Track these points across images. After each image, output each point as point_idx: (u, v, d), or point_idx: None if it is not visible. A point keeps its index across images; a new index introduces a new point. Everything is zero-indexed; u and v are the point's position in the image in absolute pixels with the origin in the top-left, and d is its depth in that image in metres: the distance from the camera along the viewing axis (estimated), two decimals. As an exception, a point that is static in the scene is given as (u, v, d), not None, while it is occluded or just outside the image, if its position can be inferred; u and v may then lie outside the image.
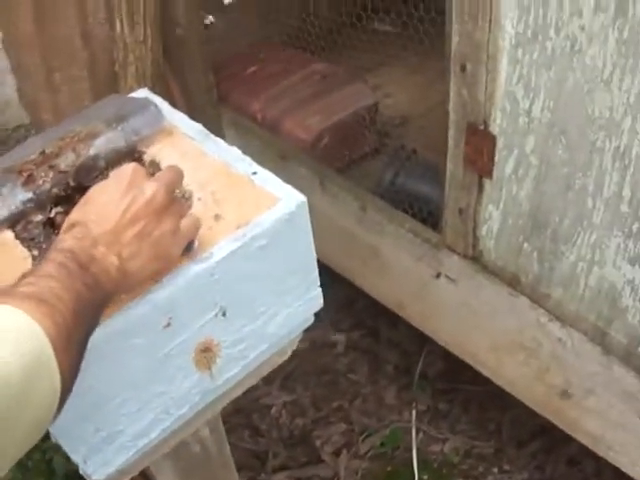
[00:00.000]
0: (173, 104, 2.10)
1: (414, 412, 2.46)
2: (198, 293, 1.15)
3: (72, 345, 0.88)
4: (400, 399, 2.52)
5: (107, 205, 1.03)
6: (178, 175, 1.14)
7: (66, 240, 0.98)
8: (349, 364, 2.63)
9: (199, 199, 1.25)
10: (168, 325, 1.13)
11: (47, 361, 0.81)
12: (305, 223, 1.27)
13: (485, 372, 1.93)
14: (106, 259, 0.99)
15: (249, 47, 2.52)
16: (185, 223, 1.10)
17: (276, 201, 1.23)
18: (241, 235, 1.17)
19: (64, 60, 1.87)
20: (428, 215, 1.93)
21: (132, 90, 1.97)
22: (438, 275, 1.85)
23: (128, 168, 1.09)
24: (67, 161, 1.32)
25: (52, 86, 1.88)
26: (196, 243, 1.16)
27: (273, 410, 2.52)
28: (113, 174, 1.11)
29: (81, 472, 1.17)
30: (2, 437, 0.72)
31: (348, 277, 2.13)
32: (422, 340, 2.36)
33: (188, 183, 1.27)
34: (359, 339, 2.69)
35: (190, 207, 1.23)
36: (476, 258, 1.74)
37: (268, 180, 1.27)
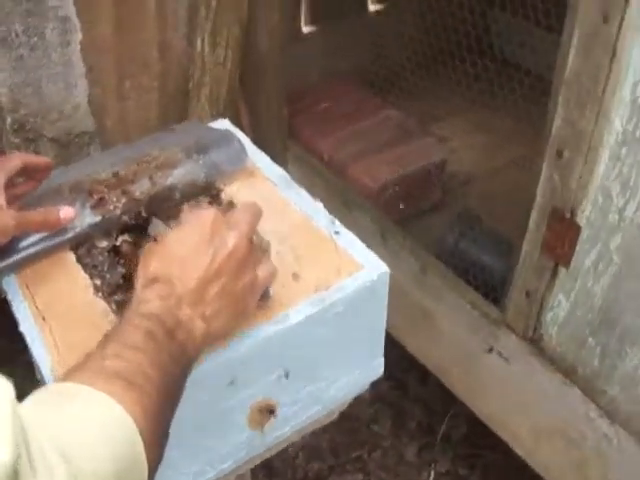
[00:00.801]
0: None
1: (432, 473, 2.41)
2: (267, 354, 1.10)
3: (159, 430, 0.85)
4: (420, 457, 2.46)
5: (189, 258, 0.96)
6: (257, 217, 1.08)
7: (150, 300, 0.93)
8: (373, 414, 2.57)
9: (277, 253, 1.21)
10: (231, 383, 1.09)
11: (139, 462, 0.78)
12: (384, 294, 1.24)
13: (521, 452, 1.87)
14: (192, 323, 0.94)
15: (322, 80, 2.48)
16: (262, 272, 1.04)
17: (358, 268, 1.19)
18: (319, 300, 1.13)
19: (137, 68, 1.84)
20: (488, 286, 1.88)
21: (203, 111, 1.95)
22: (490, 350, 1.80)
23: (209, 215, 1.01)
24: (142, 188, 1.28)
25: (121, 93, 1.84)
26: (271, 291, 1.12)
27: (290, 450, 2.47)
28: (192, 220, 1.02)
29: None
30: None
31: (393, 334, 2.07)
32: (449, 401, 2.31)
33: (266, 232, 1.24)
34: (386, 391, 2.63)
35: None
36: (535, 341, 1.68)
37: (351, 243, 1.23)
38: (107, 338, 0.88)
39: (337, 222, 1.27)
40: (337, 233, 1.24)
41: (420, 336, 2.01)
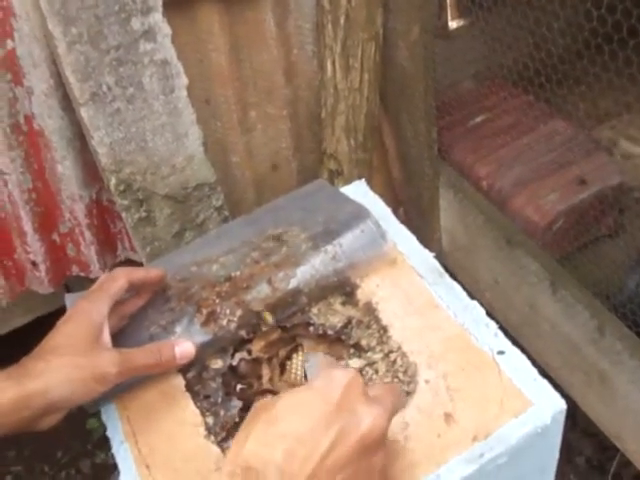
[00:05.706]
0: (386, 161, 1.84)
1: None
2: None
3: None
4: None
5: (302, 439, 0.69)
6: (400, 404, 0.86)
7: None
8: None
9: (427, 382, 0.98)
10: None
11: None
12: (558, 432, 0.99)
13: None
14: None
15: (475, 86, 2.18)
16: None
17: (527, 405, 0.95)
18: (478, 455, 0.90)
19: (261, 97, 1.64)
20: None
21: (339, 144, 1.71)
22: (675, 429, 1.52)
23: (341, 379, 0.74)
24: (259, 296, 1.08)
25: (245, 125, 1.64)
26: None
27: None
28: (318, 382, 0.75)
29: None
30: None
31: (563, 387, 1.80)
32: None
33: (412, 350, 1.01)
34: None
35: (410, 392, 0.98)
36: None
37: (518, 367, 0.99)
38: None
39: (501, 335, 1.02)
40: (501, 353, 1.00)
41: (592, 396, 1.73)
